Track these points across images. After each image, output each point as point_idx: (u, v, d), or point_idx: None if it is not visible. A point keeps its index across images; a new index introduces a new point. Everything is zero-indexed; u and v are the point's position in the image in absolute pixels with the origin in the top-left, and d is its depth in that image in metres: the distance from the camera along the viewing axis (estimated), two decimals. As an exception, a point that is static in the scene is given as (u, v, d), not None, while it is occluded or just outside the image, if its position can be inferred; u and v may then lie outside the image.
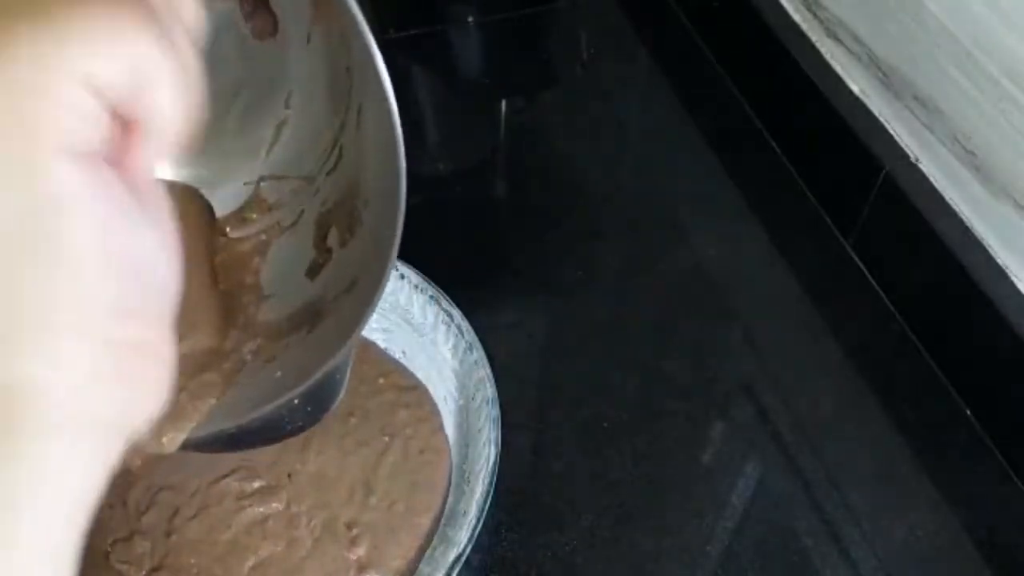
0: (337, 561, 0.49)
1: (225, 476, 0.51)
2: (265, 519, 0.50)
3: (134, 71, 0.21)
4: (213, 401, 0.36)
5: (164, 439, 0.35)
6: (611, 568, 0.50)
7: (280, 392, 0.34)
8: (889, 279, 0.61)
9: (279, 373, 0.35)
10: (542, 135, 0.74)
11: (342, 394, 0.36)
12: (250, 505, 0.51)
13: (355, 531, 0.50)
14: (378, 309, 0.56)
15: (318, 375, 0.33)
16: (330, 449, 0.53)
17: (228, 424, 0.36)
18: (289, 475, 0.52)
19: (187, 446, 0.35)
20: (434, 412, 0.54)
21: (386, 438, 0.53)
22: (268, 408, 0.34)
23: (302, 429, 0.38)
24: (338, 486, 0.51)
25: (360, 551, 0.49)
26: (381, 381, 0.55)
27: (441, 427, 0.53)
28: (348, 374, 0.36)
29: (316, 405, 0.36)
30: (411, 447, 0.53)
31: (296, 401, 0.34)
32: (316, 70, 0.37)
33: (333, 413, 0.37)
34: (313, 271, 0.38)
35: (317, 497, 0.51)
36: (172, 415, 0.35)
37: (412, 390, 0.55)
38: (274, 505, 0.51)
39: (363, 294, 0.33)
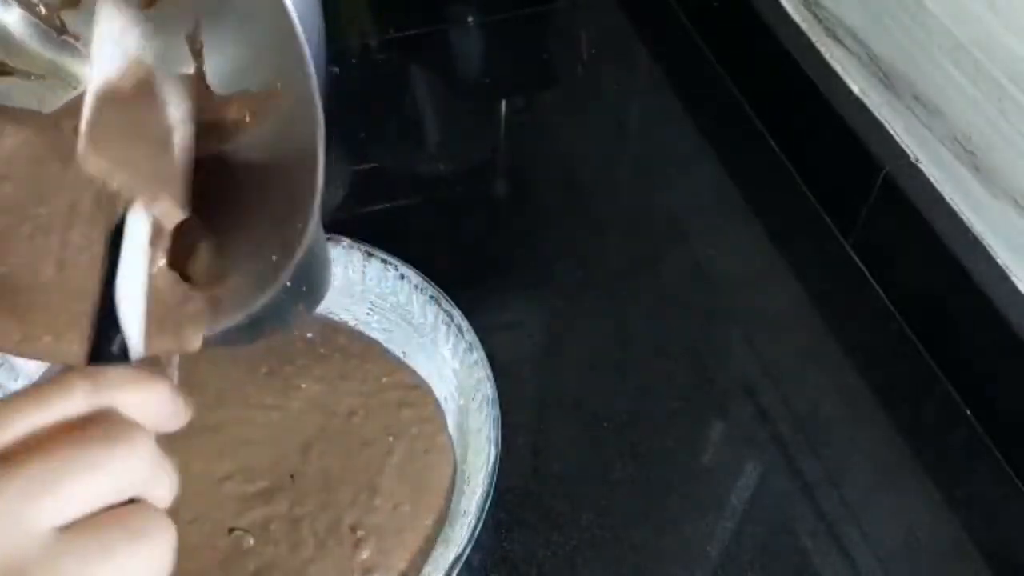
0: (342, 564, 0.48)
1: (226, 478, 0.51)
2: (268, 522, 0.50)
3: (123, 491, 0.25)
4: (220, 291, 0.36)
5: (184, 339, 0.36)
6: (611, 568, 0.50)
7: (277, 273, 0.34)
8: (889, 279, 0.61)
9: (274, 257, 0.35)
10: (542, 135, 0.74)
11: (330, 274, 0.36)
12: (252, 508, 0.50)
13: (360, 533, 0.49)
14: (378, 309, 0.57)
15: (299, 251, 0.33)
16: (333, 449, 0.52)
17: (239, 314, 0.36)
18: (292, 476, 0.51)
19: (209, 342, 0.36)
20: (438, 411, 0.54)
21: (390, 438, 0.53)
22: (270, 293, 0.34)
23: (308, 311, 0.38)
24: (342, 487, 0.51)
25: (365, 554, 0.48)
26: (384, 380, 0.55)
27: (445, 427, 0.53)
28: (328, 254, 0.35)
29: (310, 286, 0.36)
30: (416, 447, 0.52)
31: (289, 283, 0.34)
32: None
33: (325, 296, 0.36)
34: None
35: (321, 499, 0.50)
36: (184, 315, 0.36)
37: (415, 389, 0.55)
38: (277, 508, 0.50)
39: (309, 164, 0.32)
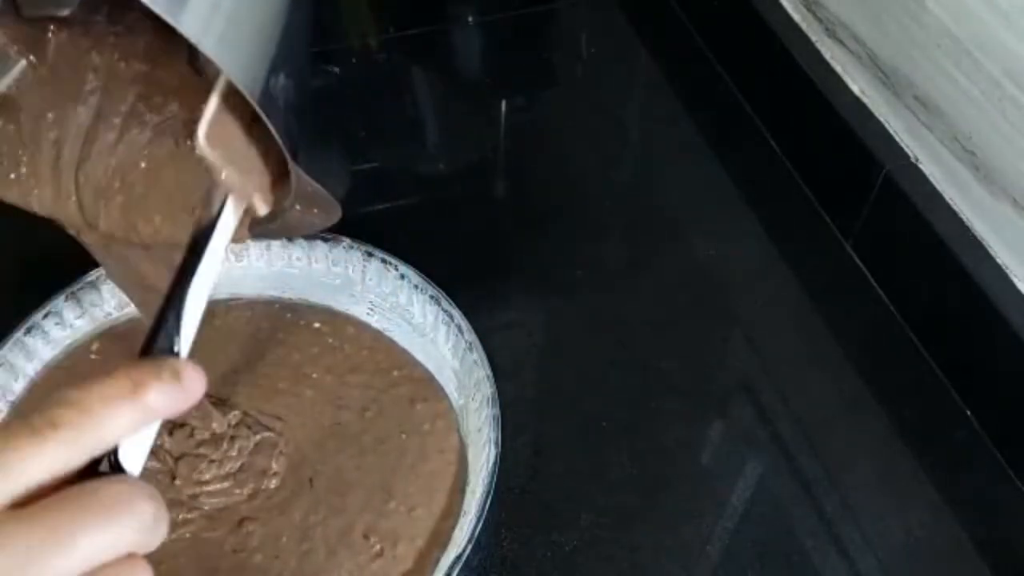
0: (352, 574, 0.47)
1: (235, 474, 0.50)
2: (279, 536, 0.48)
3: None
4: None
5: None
6: (611, 568, 0.50)
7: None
8: (889, 279, 0.61)
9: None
10: (542, 135, 0.74)
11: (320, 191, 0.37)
12: (266, 523, 0.49)
13: (372, 539, 0.48)
14: (378, 309, 0.57)
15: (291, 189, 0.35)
16: (348, 448, 0.52)
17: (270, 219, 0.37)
18: (311, 479, 0.50)
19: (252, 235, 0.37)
20: (450, 408, 0.53)
21: (403, 435, 0.52)
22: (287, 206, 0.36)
23: (328, 214, 0.39)
24: (355, 490, 0.50)
25: (377, 563, 0.48)
26: (395, 373, 0.55)
27: (457, 425, 0.53)
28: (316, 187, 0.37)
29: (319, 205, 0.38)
30: (428, 444, 0.52)
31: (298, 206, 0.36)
32: None
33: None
34: None
35: (334, 504, 0.49)
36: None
37: (427, 384, 0.54)
38: (290, 518, 0.49)
39: None
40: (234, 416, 0.52)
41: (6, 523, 0.24)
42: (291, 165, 0.33)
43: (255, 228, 0.38)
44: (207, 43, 0.27)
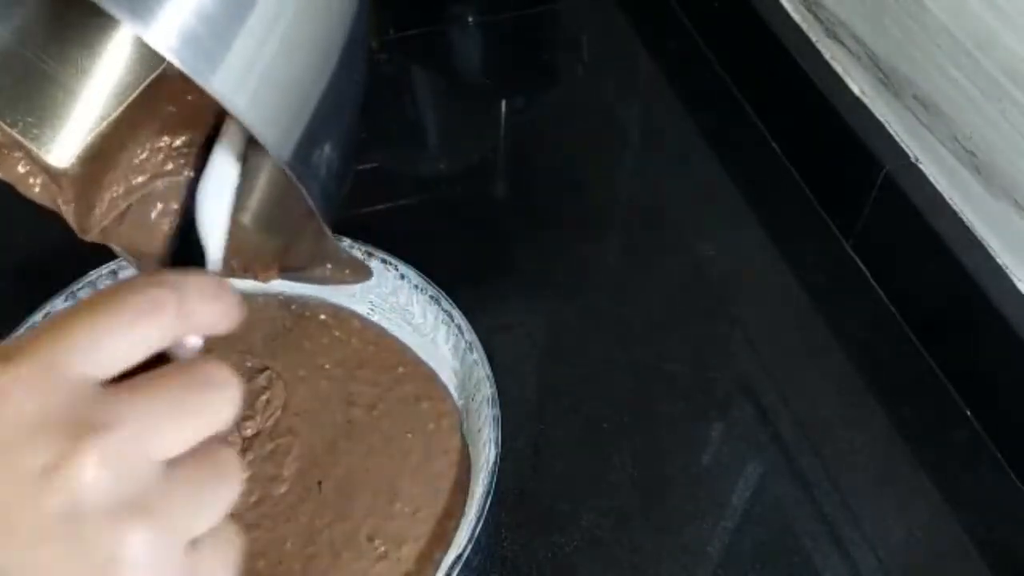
0: None
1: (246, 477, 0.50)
2: (284, 542, 0.48)
3: (164, 340, 0.25)
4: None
5: (259, 277, 0.38)
6: (611, 568, 0.50)
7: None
8: (889, 279, 0.61)
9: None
10: (542, 135, 0.74)
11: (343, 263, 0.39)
12: (272, 529, 0.48)
13: (376, 542, 0.48)
14: (378, 309, 0.57)
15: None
16: (357, 447, 0.51)
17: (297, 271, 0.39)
18: (319, 483, 0.50)
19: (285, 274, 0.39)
20: (453, 407, 0.53)
21: (409, 435, 0.52)
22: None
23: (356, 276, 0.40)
24: (362, 492, 0.50)
25: (380, 565, 0.47)
26: (400, 370, 0.55)
27: (460, 425, 0.52)
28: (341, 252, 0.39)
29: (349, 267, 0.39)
30: (433, 445, 0.52)
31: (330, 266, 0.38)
32: None
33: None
34: None
35: (340, 507, 0.49)
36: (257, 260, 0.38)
37: (430, 381, 0.54)
38: (296, 524, 0.49)
39: None
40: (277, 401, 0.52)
41: (120, 395, 0.24)
42: (327, 233, 0.33)
43: (285, 273, 0.39)
44: (239, 104, 0.26)
